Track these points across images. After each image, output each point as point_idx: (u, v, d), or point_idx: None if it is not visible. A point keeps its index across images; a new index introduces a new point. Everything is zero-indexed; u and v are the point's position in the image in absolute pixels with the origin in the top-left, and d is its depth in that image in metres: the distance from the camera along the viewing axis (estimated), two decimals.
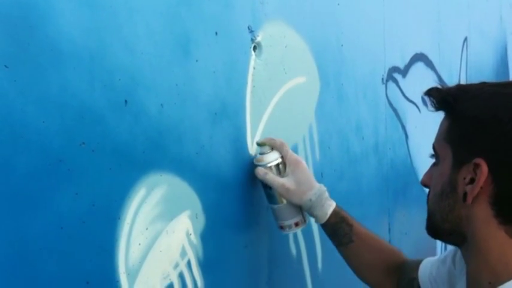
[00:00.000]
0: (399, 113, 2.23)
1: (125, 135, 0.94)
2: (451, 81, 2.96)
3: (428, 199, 0.99)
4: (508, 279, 0.84)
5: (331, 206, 1.26)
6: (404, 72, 2.30)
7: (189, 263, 1.09)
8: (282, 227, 1.28)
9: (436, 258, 1.16)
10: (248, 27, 1.28)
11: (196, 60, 1.11)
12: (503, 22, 4.48)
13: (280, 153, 1.24)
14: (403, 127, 2.28)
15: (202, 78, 1.13)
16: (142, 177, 0.98)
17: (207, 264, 1.13)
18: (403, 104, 2.27)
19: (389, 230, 2.11)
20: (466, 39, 3.33)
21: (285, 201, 1.24)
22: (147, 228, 0.98)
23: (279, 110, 1.37)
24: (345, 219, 1.26)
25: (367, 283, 1.31)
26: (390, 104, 2.13)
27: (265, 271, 1.34)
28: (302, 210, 1.27)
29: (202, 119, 1.13)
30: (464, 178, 0.88)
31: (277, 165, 1.23)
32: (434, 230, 0.97)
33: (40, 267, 0.80)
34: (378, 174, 2.03)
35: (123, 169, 0.94)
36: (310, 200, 1.23)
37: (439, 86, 0.97)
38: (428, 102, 0.97)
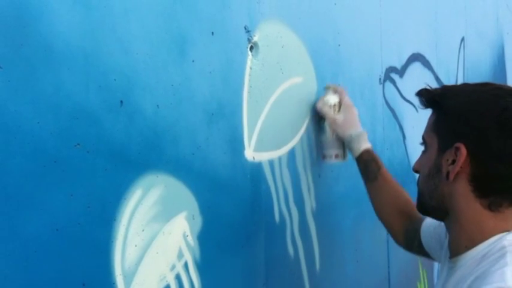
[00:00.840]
0: (396, 113, 2.23)
1: (121, 136, 0.94)
2: (448, 81, 2.96)
3: (418, 182, 1.16)
4: (481, 242, 1.02)
5: (366, 145, 1.52)
6: (401, 72, 2.30)
7: (186, 265, 1.08)
8: (324, 156, 1.56)
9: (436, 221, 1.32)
10: (245, 27, 1.27)
11: (193, 61, 1.11)
12: (500, 22, 4.49)
13: (339, 96, 1.54)
14: (401, 127, 2.28)
15: (199, 78, 1.12)
16: (138, 178, 0.97)
17: (204, 266, 1.12)
18: (401, 104, 2.27)
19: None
20: (463, 39, 3.33)
21: (332, 135, 1.53)
22: (143, 230, 0.97)
23: (276, 110, 1.37)
24: (375, 159, 1.51)
25: (380, 219, 1.51)
26: (387, 104, 2.13)
27: (262, 272, 1.33)
28: (344, 147, 1.54)
29: (199, 119, 1.12)
30: (447, 160, 1.06)
31: (334, 104, 1.53)
32: (423, 207, 1.15)
33: (35, 269, 0.80)
34: None
35: (118, 170, 0.93)
36: (351, 135, 1.51)
37: (428, 87, 1.15)
38: (419, 102, 1.15)
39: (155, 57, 1.01)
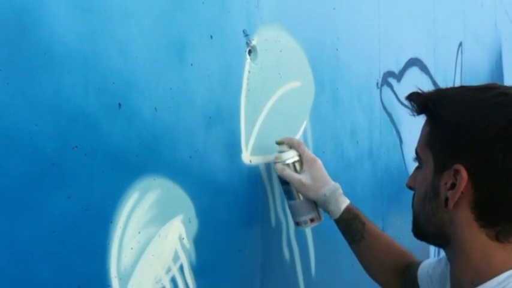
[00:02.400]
0: (394, 118, 2.23)
1: (119, 139, 0.94)
2: (445, 86, 2.96)
3: (413, 202, 1.02)
4: (489, 278, 0.88)
5: (344, 202, 1.31)
6: (399, 76, 2.30)
7: (181, 268, 1.08)
8: (298, 223, 1.34)
9: (435, 259, 1.19)
10: (243, 31, 1.27)
11: (191, 64, 1.11)
12: (498, 27, 4.50)
13: (298, 151, 1.32)
14: (398, 132, 2.28)
15: (197, 82, 1.13)
16: (135, 181, 0.97)
17: (200, 269, 1.13)
18: (398, 108, 2.28)
19: None
20: (461, 44, 3.34)
21: (301, 198, 1.31)
22: (139, 232, 0.98)
23: (274, 114, 1.37)
24: (357, 216, 1.31)
25: (376, 281, 1.35)
26: (385, 109, 2.13)
27: (258, 276, 1.34)
28: (317, 207, 1.33)
29: (197, 122, 1.13)
30: (446, 183, 0.91)
31: (294, 162, 1.30)
32: (420, 232, 1.00)
33: (32, 271, 0.80)
34: (372, 178, 2.03)
35: (116, 173, 0.93)
36: (325, 195, 1.29)
37: (419, 91, 0.98)
38: (410, 107, 0.99)
39: (154, 61, 1.02)
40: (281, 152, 1.32)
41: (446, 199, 0.91)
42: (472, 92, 0.93)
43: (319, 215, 1.34)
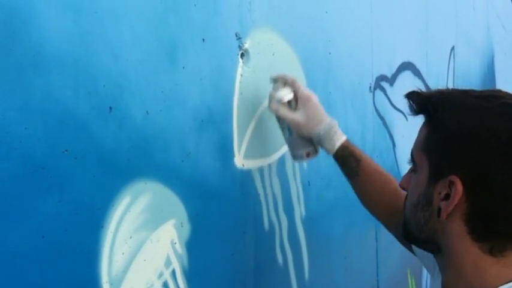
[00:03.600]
0: (387, 122, 2.23)
1: (109, 143, 0.93)
2: None
3: (404, 205, 0.99)
4: None
5: (339, 139, 1.31)
6: (391, 80, 2.30)
7: (173, 273, 1.07)
8: (294, 156, 1.35)
9: None
10: (236, 34, 1.27)
11: (183, 67, 1.11)
12: (490, 32, 4.52)
13: (292, 88, 1.29)
14: (391, 135, 2.28)
15: (189, 85, 1.12)
16: (126, 185, 0.96)
17: (192, 274, 1.12)
18: (391, 112, 2.28)
19: (376, 238, 2.10)
20: (453, 48, 3.35)
21: (296, 134, 1.30)
22: (131, 237, 0.97)
23: (266, 117, 1.37)
24: (352, 153, 1.32)
25: (374, 216, 1.37)
26: (378, 113, 2.13)
27: (251, 280, 1.33)
28: (314, 141, 1.33)
29: (189, 126, 1.12)
30: (440, 193, 0.88)
31: (289, 101, 1.28)
32: (410, 237, 0.98)
33: (21, 276, 0.79)
34: None
35: (107, 177, 0.92)
36: (319, 133, 1.29)
37: (419, 90, 0.95)
38: (408, 106, 0.96)
39: (145, 64, 1.01)
40: (275, 89, 1.30)
41: (439, 209, 0.88)
42: (476, 99, 0.88)
43: (315, 148, 1.34)
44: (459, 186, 0.84)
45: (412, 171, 0.98)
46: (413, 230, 0.95)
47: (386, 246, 2.16)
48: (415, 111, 0.95)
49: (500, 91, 0.90)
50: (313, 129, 1.28)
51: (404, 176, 1.01)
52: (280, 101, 1.27)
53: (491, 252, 0.86)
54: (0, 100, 0.76)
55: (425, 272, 2.77)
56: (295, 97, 1.29)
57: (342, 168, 1.35)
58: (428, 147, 0.92)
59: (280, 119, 1.31)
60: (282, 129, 1.33)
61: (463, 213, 0.86)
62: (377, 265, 2.12)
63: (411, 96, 0.94)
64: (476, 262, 0.87)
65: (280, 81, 1.30)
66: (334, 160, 1.35)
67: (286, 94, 1.28)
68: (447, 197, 0.87)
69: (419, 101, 0.93)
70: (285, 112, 1.27)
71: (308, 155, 1.33)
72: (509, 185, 0.81)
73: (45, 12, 0.82)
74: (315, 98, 1.30)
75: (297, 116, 1.27)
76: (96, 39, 0.91)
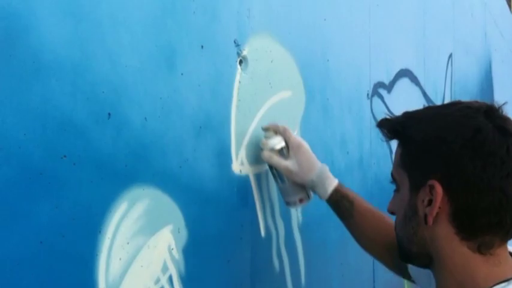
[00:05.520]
0: None
1: (108, 148, 0.93)
2: (435, 97, 2.99)
3: (395, 226, 1.03)
4: None
5: (331, 184, 1.33)
6: (389, 87, 2.31)
7: (170, 279, 1.07)
8: (287, 203, 1.37)
9: None
10: (234, 41, 1.27)
11: (182, 73, 1.11)
12: (488, 38, 4.54)
13: (283, 137, 1.32)
14: (388, 142, 2.29)
15: (187, 91, 1.13)
16: (124, 190, 0.97)
17: (189, 280, 1.12)
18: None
19: None
20: (451, 55, 3.36)
21: (288, 181, 1.32)
22: (128, 243, 0.97)
23: (264, 123, 1.37)
24: (345, 196, 1.34)
25: (369, 254, 1.40)
26: (375, 119, 2.14)
27: (247, 286, 1.33)
28: (306, 187, 1.35)
29: (186, 132, 1.12)
30: (423, 201, 0.92)
31: (281, 148, 1.31)
32: (405, 254, 1.01)
33: (19, 281, 0.79)
34: (362, 188, 2.04)
35: (105, 182, 0.93)
36: (312, 180, 1.31)
37: (388, 117, 1.02)
38: (381, 134, 1.03)
39: (144, 70, 1.01)
40: (267, 138, 1.32)
41: (425, 216, 0.92)
42: (436, 109, 0.98)
43: (307, 194, 1.36)
44: (438, 189, 0.89)
45: (395, 191, 1.03)
46: (406, 245, 0.99)
47: None
48: (389, 137, 1.02)
49: (458, 100, 0.97)
50: (306, 176, 1.31)
51: (390, 201, 1.05)
52: (272, 150, 1.30)
53: (480, 250, 0.89)
54: (0, 106, 0.76)
55: None
56: (287, 145, 1.32)
57: (336, 212, 1.37)
58: (404, 162, 0.98)
59: (272, 167, 1.33)
60: (274, 176, 1.34)
61: (447, 214, 0.90)
62: (373, 271, 2.13)
63: (382, 124, 1.02)
64: (466, 262, 0.90)
65: (271, 129, 1.33)
66: (328, 205, 1.37)
67: (278, 142, 1.31)
68: (430, 202, 0.91)
69: (389, 127, 1.01)
70: (278, 160, 1.30)
71: (301, 201, 1.35)
72: (482, 177, 0.87)
73: (44, 18, 0.82)
74: (305, 145, 1.33)
75: (289, 164, 1.30)
76: (95, 46, 0.91)
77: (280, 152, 1.31)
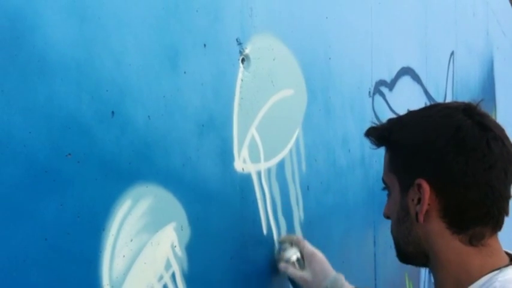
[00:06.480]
0: None
1: (112, 147, 0.94)
2: (437, 95, 2.99)
3: (391, 229, 1.08)
4: (469, 284, 0.93)
5: None
6: (391, 85, 2.32)
7: (173, 276, 1.08)
8: None
9: None
10: (237, 40, 1.28)
11: (184, 72, 1.12)
12: (490, 37, 4.53)
13: (298, 247, 1.38)
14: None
15: (190, 90, 1.13)
16: (128, 188, 0.97)
17: (192, 277, 1.13)
18: (390, 117, 2.28)
19: (374, 243, 2.11)
20: (452, 53, 3.36)
21: None
22: (131, 240, 0.98)
23: (266, 122, 1.38)
24: None
25: None
26: (377, 117, 2.14)
27: (250, 284, 1.34)
28: None
29: (189, 130, 1.13)
30: (413, 200, 0.98)
31: (296, 259, 1.38)
32: (402, 255, 1.06)
33: (23, 279, 0.79)
34: (364, 187, 2.04)
35: (109, 180, 0.93)
36: (327, 286, 1.33)
37: (374, 125, 1.08)
38: (370, 142, 1.08)
39: (147, 69, 1.02)
40: (283, 250, 1.39)
41: (417, 214, 0.97)
42: (419, 112, 1.04)
43: None
44: (426, 186, 0.95)
45: (388, 196, 1.08)
46: (402, 246, 1.04)
47: (385, 250, 2.17)
48: (376, 144, 1.08)
49: (438, 102, 1.03)
50: (320, 284, 1.34)
51: (385, 207, 1.11)
52: (288, 261, 1.37)
53: (472, 242, 0.94)
54: (5, 104, 0.77)
55: (423, 276, 2.78)
56: (302, 255, 1.38)
57: None
58: (393, 166, 1.04)
59: (289, 278, 1.39)
60: (292, 284, 1.40)
61: (437, 210, 0.96)
62: (375, 269, 2.13)
63: (369, 132, 1.08)
64: (459, 256, 0.95)
65: (287, 241, 1.40)
66: None
67: (293, 254, 1.38)
68: (419, 201, 0.97)
69: (377, 134, 1.07)
70: (293, 271, 1.35)
71: None
72: (466, 171, 0.92)
73: (49, 18, 0.83)
74: (319, 254, 1.38)
75: (304, 274, 1.35)
76: (99, 45, 0.92)
77: (297, 262, 1.37)
